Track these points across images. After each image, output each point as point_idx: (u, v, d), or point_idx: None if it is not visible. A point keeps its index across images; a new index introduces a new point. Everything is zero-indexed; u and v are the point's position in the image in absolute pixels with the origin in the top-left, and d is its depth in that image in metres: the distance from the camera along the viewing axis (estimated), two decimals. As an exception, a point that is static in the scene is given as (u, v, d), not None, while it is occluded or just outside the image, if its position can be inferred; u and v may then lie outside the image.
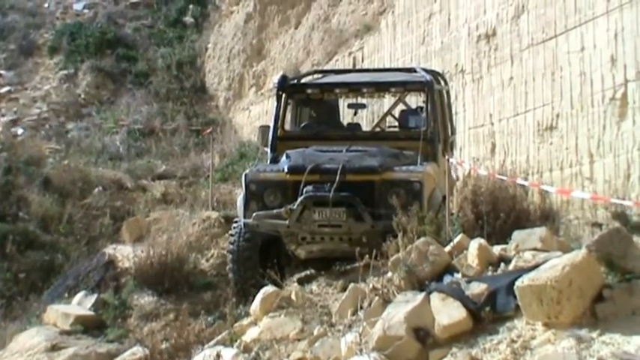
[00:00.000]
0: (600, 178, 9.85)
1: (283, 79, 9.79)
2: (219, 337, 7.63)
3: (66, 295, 10.86)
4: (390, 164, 8.34)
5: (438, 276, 5.86)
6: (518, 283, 5.01)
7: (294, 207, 8.09)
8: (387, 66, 14.88)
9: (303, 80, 10.30)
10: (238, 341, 7.14)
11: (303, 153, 8.73)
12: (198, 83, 25.55)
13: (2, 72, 24.69)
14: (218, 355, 6.67)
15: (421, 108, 9.45)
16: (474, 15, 13.02)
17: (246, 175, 8.64)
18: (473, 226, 7.18)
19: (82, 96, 24.45)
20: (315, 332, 6.53)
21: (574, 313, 4.81)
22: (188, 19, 27.43)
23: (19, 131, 21.84)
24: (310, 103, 10.15)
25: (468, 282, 5.56)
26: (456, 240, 6.34)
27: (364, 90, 9.80)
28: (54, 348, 8.66)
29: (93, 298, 9.84)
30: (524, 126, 11.54)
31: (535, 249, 5.84)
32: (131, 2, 28.34)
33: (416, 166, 8.40)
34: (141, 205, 15.71)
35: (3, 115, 22.80)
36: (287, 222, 8.15)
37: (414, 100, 10.62)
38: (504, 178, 8.10)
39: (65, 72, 25.03)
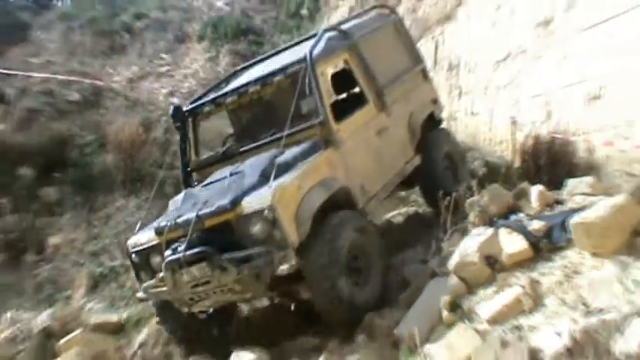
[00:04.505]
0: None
1: (175, 111, 7.20)
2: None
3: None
4: (243, 195, 5.75)
5: (505, 215, 5.83)
6: (571, 220, 4.97)
7: (163, 274, 5.82)
8: (461, 45, 14.40)
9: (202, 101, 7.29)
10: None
11: (183, 197, 6.38)
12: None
13: (163, 55, 25.31)
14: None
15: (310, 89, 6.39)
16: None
17: (127, 247, 6.40)
18: (534, 175, 7.08)
19: (222, 73, 24.82)
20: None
21: (616, 245, 4.75)
22: (304, 11, 27.41)
23: (175, 100, 22.37)
24: (242, 114, 7.51)
25: (530, 219, 5.52)
26: (519, 186, 6.28)
27: (250, 91, 6.81)
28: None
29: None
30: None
31: (585, 194, 5.75)
32: (260, -1, 28.61)
33: (264, 188, 5.73)
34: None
35: (163, 88, 23.38)
36: (166, 290, 5.94)
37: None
38: (559, 136, 7.93)
39: (209, 54, 25.41)
